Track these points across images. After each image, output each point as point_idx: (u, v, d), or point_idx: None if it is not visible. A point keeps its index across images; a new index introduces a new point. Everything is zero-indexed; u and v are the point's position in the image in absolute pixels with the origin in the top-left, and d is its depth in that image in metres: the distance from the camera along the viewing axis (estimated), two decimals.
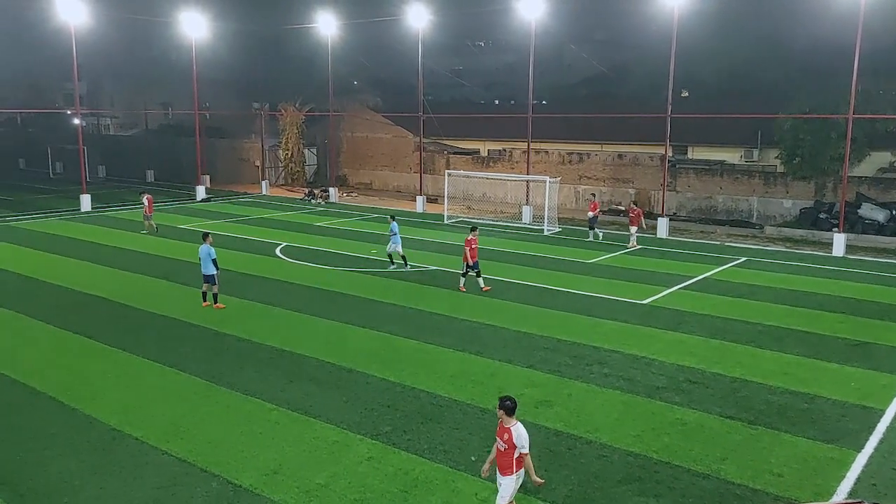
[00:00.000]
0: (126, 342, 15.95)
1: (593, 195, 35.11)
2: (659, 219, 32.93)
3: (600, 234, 30.59)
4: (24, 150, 69.50)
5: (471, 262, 20.66)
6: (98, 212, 38.15)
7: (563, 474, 10.29)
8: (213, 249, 18.71)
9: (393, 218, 24.09)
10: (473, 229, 21.32)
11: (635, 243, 28.90)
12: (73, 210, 38.23)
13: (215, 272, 18.62)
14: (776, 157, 37.07)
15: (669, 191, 36.55)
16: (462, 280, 21.04)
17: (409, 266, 23.75)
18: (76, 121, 43.87)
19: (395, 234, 23.48)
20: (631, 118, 42.37)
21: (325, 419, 11.98)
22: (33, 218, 36.00)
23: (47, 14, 40.27)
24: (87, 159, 42.79)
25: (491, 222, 35.90)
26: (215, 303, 18.86)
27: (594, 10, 54.20)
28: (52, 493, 9.72)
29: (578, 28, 57.77)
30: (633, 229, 29.15)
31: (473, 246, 20.74)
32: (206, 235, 19.17)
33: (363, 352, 15.45)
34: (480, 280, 20.94)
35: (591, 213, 30.81)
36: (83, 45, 40.13)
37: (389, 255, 24.02)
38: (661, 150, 35.86)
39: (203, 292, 19.06)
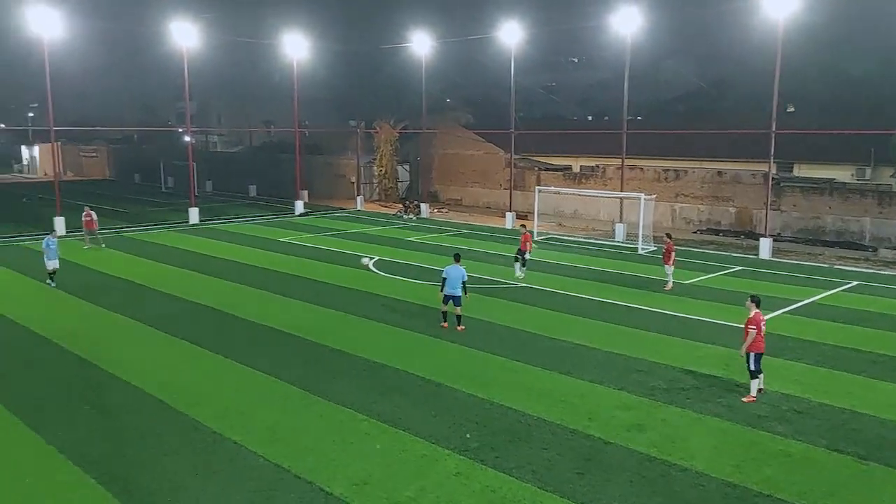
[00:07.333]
0: (228, 349, 16.64)
1: (523, 226, 27.48)
2: (762, 239, 31.57)
3: (521, 274, 25.02)
4: (139, 166, 74.42)
5: (753, 352, 13.61)
6: (205, 224, 40.15)
7: (655, 501, 9.96)
8: (463, 270, 17.95)
9: (52, 233, 25.03)
10: (757, 303, 13.82)
11: (671, 283, 23.49)
12: (182, 222, 40.40)
13: (460, 294, 17.89)
14: (891, 176, 34.93)
15: (773, 210, 34.99)
16: (757, 384, 13.77)
17: (52, 284, 23.39)
18: (187, 138, 46.53)
19: (52, 250, 23.69)
20: (731, 134, 40.91)
21: (414, 432, 12.07)
22: (146, 229, 38.20)
23: (162, 38, 43.01)
24: (196, 174, 45.08)
25: (582, 240, 35.44)
26: (458, 324, 18.22)
27: (693, 24, 53.01)
28: (156, 491, 10.20)
29: (676, 42, 56.62)
30: (670, 269, 23.46)
31: (759, 331, 13.55)
32: (457, 256, 18.81)
33: (453, 367, 15.51)
34: (759, 381, 13.84)
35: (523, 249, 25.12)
36: (194, 66, 42.53)
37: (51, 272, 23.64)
38: (763, 168, 34.43)
39: (443, 312, 18.39)
